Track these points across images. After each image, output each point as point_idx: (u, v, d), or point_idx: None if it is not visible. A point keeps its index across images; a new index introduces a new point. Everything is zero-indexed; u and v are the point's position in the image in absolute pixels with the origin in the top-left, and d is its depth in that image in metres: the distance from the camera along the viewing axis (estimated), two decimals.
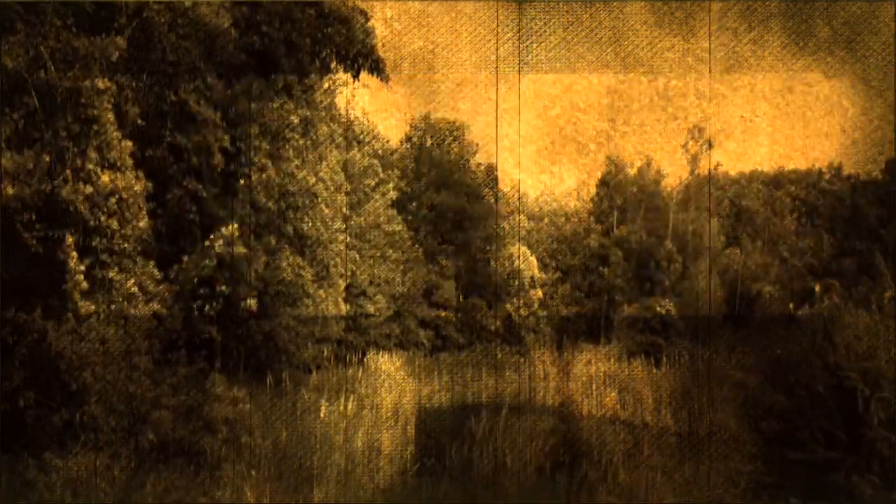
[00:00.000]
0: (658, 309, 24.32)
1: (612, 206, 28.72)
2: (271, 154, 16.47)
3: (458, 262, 27.35)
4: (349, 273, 22.87)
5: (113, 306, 11.74)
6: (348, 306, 22.75)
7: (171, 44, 13.12)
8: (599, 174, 28.81)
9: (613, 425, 17.83)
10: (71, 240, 10.91)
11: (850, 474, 11.26)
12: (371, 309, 24.09)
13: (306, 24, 14.97)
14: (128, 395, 11.46)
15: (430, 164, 27.89)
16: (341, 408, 16.26)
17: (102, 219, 11.28)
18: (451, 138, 27.96)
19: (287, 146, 16.75)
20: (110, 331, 11.57)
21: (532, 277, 27.81)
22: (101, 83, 11.19)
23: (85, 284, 11.15)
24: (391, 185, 26.06)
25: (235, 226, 15.52)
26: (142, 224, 12.07)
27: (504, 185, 28.80)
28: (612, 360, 23.25)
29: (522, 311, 27.10)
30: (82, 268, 11.16)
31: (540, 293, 27.76)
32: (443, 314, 26.37)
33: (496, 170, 28.79)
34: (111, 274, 11.75)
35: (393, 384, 20.67)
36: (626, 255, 27.68)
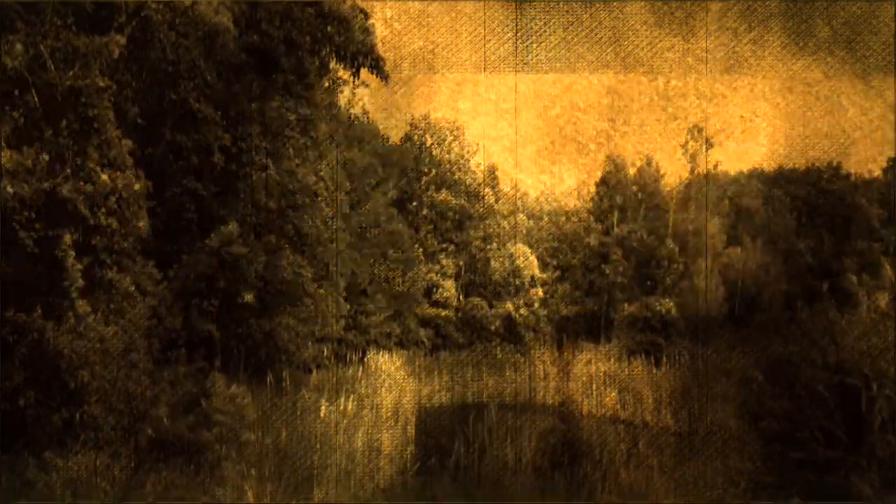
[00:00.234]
0: (658, 308, 24.32)
1: (612, 206, 28.70)
2: (271, 153, 16.46)
3: (458, 262, 27.36)
4: (349, 272, 22.85)
5: (112, 305, 11.72)
6: (348, 305, 22.75)
7: (170, 42, 13.11)
8: (599, 174, 28.79)
9: (613, 425, 17.83)
10: (69, 239, 10.88)
11: (849, 474, 11.26)
12: (371, 308, 24.10)
13: (306, 24, 14.96)
14: (127, 394, 11.46)
15: (430, 163, 27.89)
16: (341, 407, 16.24)
17: (102, 218, 11.25)
18: (451, 138, 27.97)
19: (287, 145, 16.72)
20: (110, 330, 11.56)
21: (532, 277, 27.81)
22: (101, 82, 11.17)
23: (81, 282, 11.13)
24: (391, 184, 26.05)
25: (234, 224, 15.50)
26: (141, 223, 12.04)
27: (504, 185, 28.83)
28: (613, 359, 23.24)
29: (522, 311, 27.10)
30: (80, 267, 11.14)
31: (540, 292, 27.76)
32: (443, 313, 26.38)
33: (496, 170, 28.82)
34: (111, 273, 11.73)
35: (393, 384, 20.67)
36: (627, 254, 27.67)
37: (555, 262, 28.83)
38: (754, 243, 26.80)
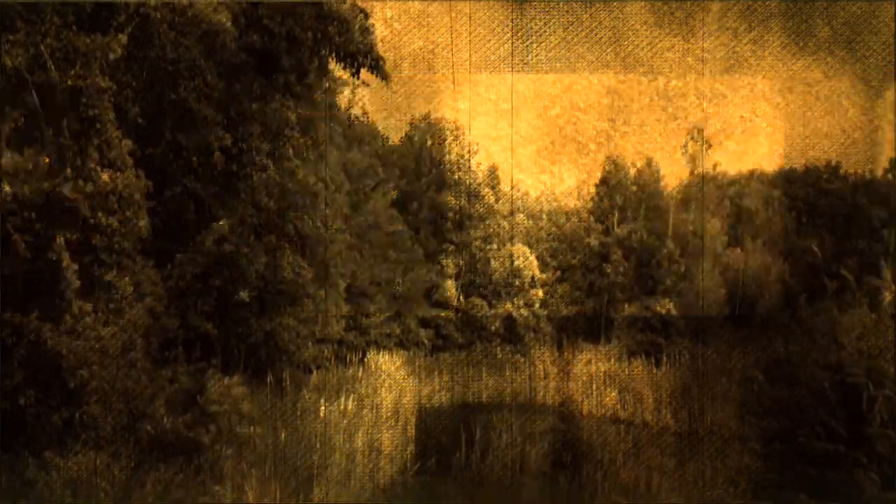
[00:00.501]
0: (658, 308, 24.33)
1: (612, 206, 28.71)
2: (271, 153, 16.45)
3: (458, 262, 27.37)
4: (349, 273, 22.86)
5: (111, 305, 11.72)
6: (348, 306, 22.76)
7: (170, 42, 13.11)
8: (599, 174, 28.82)
9: (614, 425, 17.84)
10: (61, 240, 10.87)
11: (850, 472, 11.27)
12: (371, 308, 24.11)
13: (307, 20, 14.97)
14: (126, 393, 11.46)
15: (430, 163, 27.90)
16: (341, 407, 16.25)
17: (103, 218, 11.25)
18: (451, 138, 27.98)
19: (287, 145, 16.72)
20: (109, 330, 11.56)
21: (532, 277, 27.82)
22: (101, 82, 11.18)
23: (77, 283, 11.13)
24: (391, 184, 26.07)
25: (226, 221, 15.42)
26: (142, 223, 12.04)
27: (504, 185, 28.85)
28: (613, 359, 23.25)
29: (523, 311, 27.11)
30: (76, 268, 11.15)
31: (540, 293, 27.77)
32: (443, 314, 26.39)
33: (496, 170, 28.84)
34: (111, 272, 11.73)
35: (393, 384, 20.67)
36: (627, 254, 27.68)
37: (555, 263, 28.84)
38: (754, 243, 26.82)
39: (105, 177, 11.34)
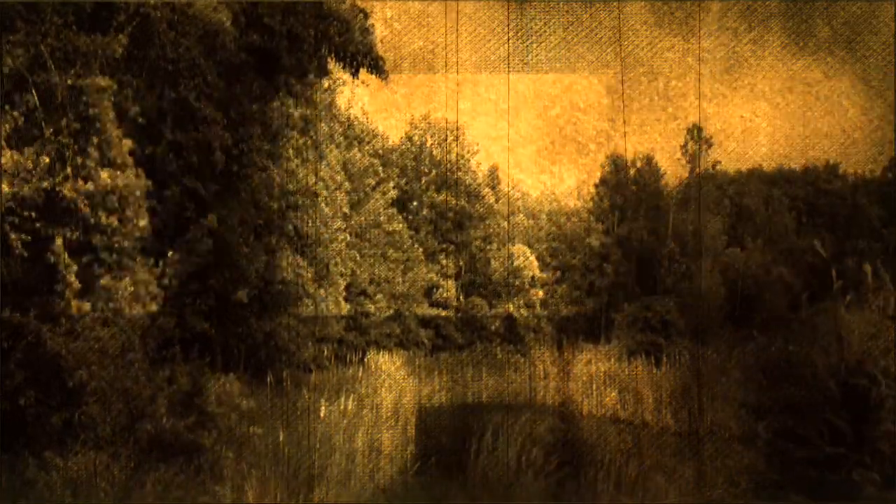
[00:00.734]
0: (658, 308, 24.32)
1: (612, 206, 28.71)
2: (271, 153, 16.45)
3: (458, 262, 27.36)
4: (349, 272, 22.85)
5: (111, 304, 11.71)
6: (348, 306, 22.76)
7: (170, 41, 13.11)
8: (599, 174, 28.82)
9: (614, 425, 17.82)
10: (60, 239, 10.86)
11: (852, 473, 11.25)
12: (371, 308, 24.10)
13: (308, 19, 14.97)
14: (126, 393, 11.44)
15: (430, 163, 27.90)
16: (341, 407, 16.22)
17: (103, 217, 11.26)
18: (451, 138, 27.97)
19: (287, 145, 16.73)
20: (109, 330, 11.55)
21: (532, 277, 27.82)
22: (101, 81, 11.19)
23: (77, 284, 11.12)
24: (391, 184, 26.06)
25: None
26: (142, 222, 12.04)
27: (504, 185, 28.85)
28: (613, 359, 23.22)
29: (523, 311, 27.10)
30: (75, 268, 11.15)
31: (540, 293, 27.77)
32: (443, 313, 26.38)
33: (496, 170, 28.85)
34: (110, 272, 11.73)
35: (393, 384, 20.65)
36: (627, 254, 27.67)
37: (555, 263, 28.84)
38: (754, 243, 26.81)
39: (105, 176, 11.36)
